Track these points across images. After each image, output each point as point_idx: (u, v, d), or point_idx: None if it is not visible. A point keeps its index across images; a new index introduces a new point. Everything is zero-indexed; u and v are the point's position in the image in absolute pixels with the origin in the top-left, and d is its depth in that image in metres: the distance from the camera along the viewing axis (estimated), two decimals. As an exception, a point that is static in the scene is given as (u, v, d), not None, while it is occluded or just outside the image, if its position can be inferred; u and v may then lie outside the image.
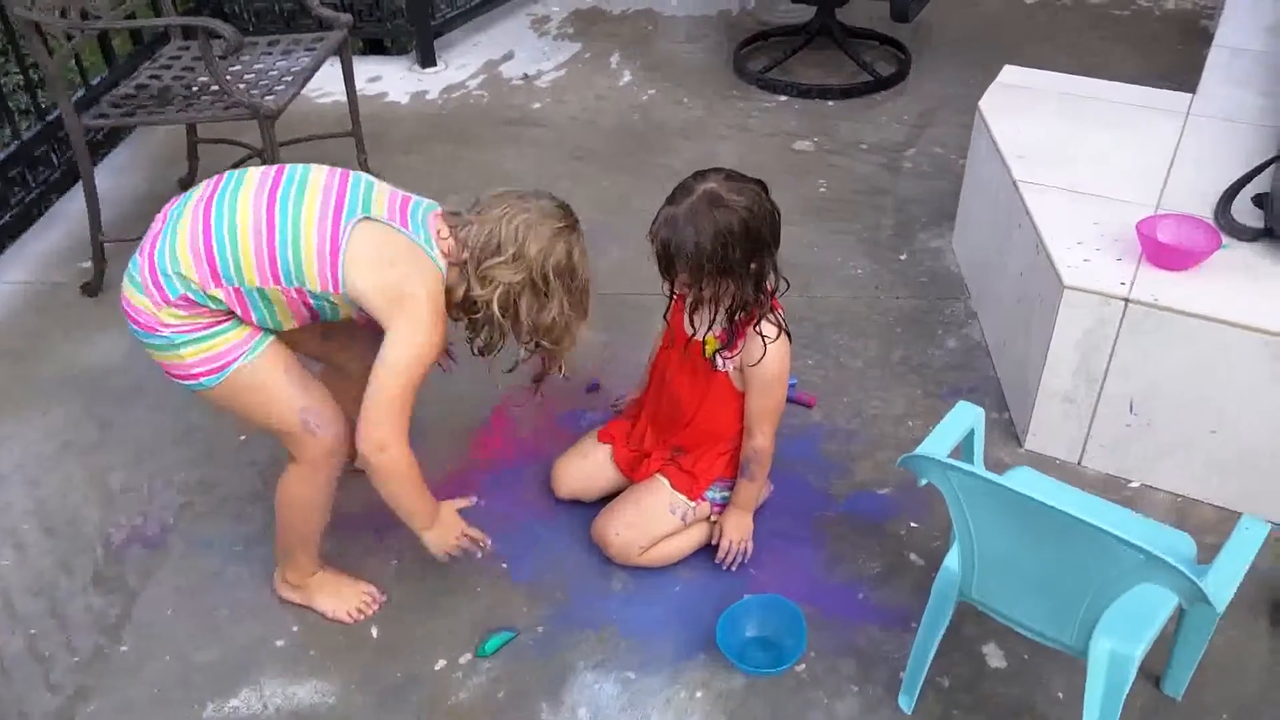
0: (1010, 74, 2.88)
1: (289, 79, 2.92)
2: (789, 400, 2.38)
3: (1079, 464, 2.24)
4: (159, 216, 1.71)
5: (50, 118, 3.28)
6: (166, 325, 1.64)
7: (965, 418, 1.72)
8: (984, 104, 2.71)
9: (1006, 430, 2.33)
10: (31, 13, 2.69)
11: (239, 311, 1.67)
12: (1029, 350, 2.24)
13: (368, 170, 3.24)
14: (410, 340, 1.66)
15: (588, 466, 2.14)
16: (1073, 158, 2.46)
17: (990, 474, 1.44)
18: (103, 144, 3.55)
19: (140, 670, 1.87)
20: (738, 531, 2.01)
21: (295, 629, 1.94)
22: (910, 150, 3.46)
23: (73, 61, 3.24)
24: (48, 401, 2.48)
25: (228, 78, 2.81)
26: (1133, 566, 1.36)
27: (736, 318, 1.84)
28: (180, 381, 1.71)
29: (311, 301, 1.69)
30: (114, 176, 3.38)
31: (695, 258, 1.74)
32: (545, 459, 2.24)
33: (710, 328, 1.88)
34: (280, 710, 1.80)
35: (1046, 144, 2.52)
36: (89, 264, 2.87)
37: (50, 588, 2.03)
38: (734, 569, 2.02)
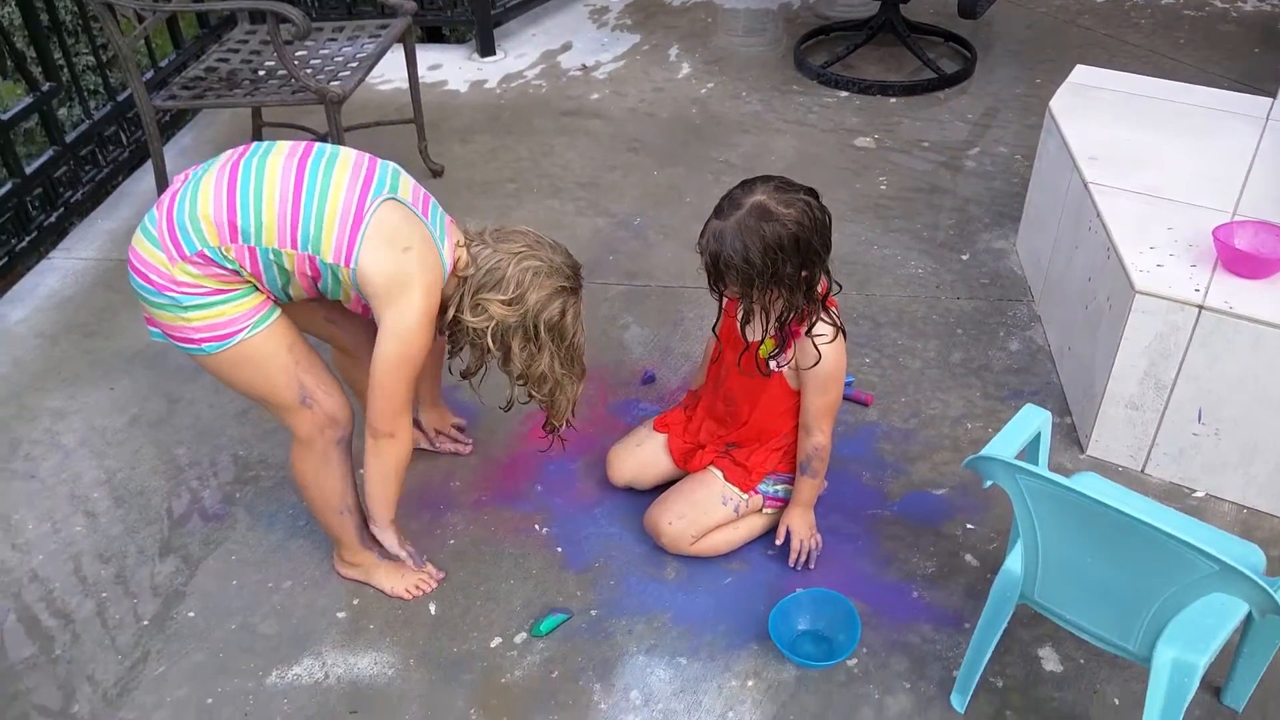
0: (1082, 74, 2.83)
1: (354, 65, 2.97)
2: (845, 398, 2.38)
3: (1142, 471, 2.21)
4: (180, 177, 1.70)
5: (120, 98, 3.35)
6: (179, 284, 1.62)
7: (1032, 420, 1.70)
8: (1055, 104, 2.68)
9: (1069, 435, 2.30)
10: (109, -6, 2.75)
11: (248, 270, 1.66)
12: (1095, 355, 2.21)
13: (428, 159, 3.27)
14: (399, 337, 1.67)
15: (642, 455, 2.15)
16: (1146, 161, 2.42)
17: (1060, 477, 1.42)
18: (169, 125, 3.63)
19: (206, 637, 1.91)
20: (805, 529, 2.01)
21: (356, 602, 1.97)
22: (973, 149, 3.42)
23: (142, 44, 3.31)
24: (116, 376, 2.54)
25: (295, 62, 2.86)
26: (1205, 575, 1.34)
27: (788, 323, 1.84)
28: (178, 345, 1.69)
29: (320, 271, 1.67)
30: (179, 158, 3.44)
31: (745, 272, 1.72)
32: (599, 449, 2.25)
33: (764, 334, 1.87)
34: (341, 680, 1.84)
35: (1119, 146, 2.48)
36: (158, 241, 2.93)
37: (120, 555, 2.08)
38: (812, 566, 2.01)
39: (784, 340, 1.87)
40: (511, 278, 1.72)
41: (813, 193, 1.78)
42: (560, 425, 1.92)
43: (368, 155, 1.74)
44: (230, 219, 1.62)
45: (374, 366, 1.69)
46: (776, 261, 1.71)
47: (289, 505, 2.17)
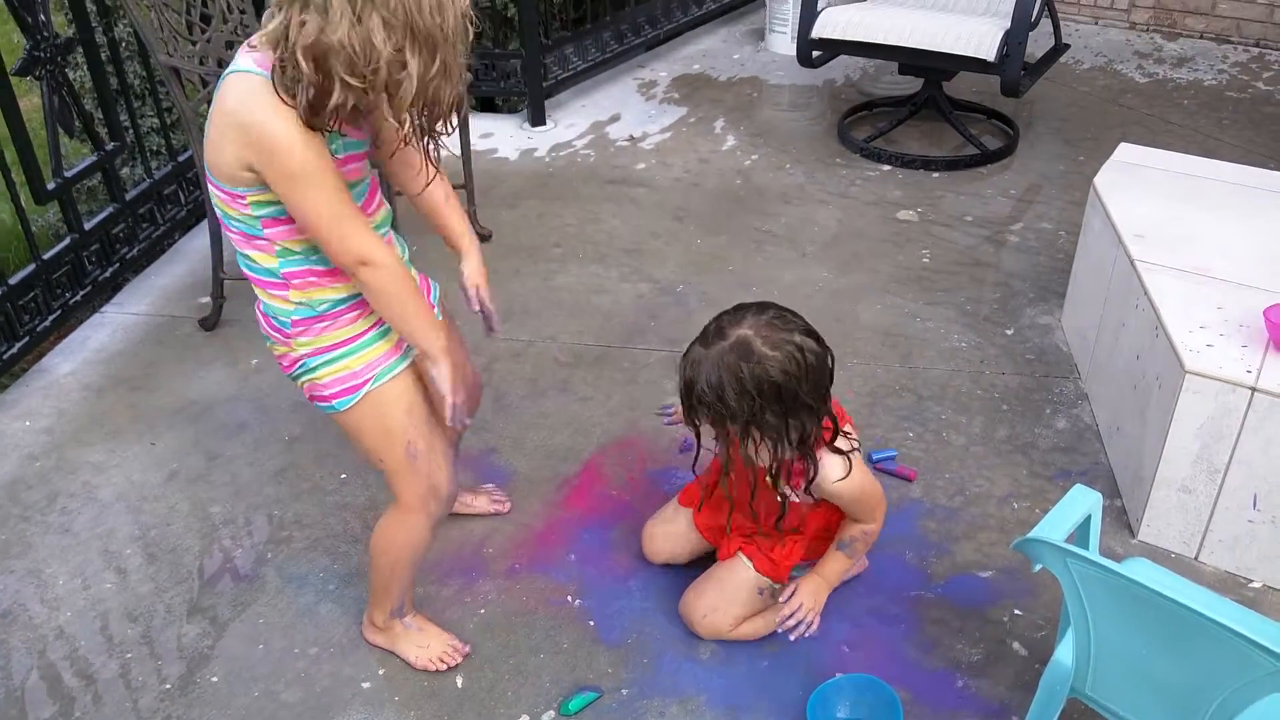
0: (1127, 151, 2.81)
1: (406, 131, 3.02)
2: (888, 473, 2.34)
3: (1195, 559, 2.13)
4: None
5: (181, 158, 3.44)
6: (303, 355, 1.69)
7: (1082, 502, 1.65)
8: (1099, 180, 2.65)
9: (1118, 519, 2.23)
10: (173, 59, 2.85)
11: (315, 260, 1.62)
12: (1144, 436, 2.15)
13: (477, 223, 3.31)
14: (288, 181, 1.48)
15: (674, 533, 2.09)
16: (1193, 239, 2.38)
17: (1115, 564, 1.37)
18: (224, 187, 3.70)
19: (229, 704, 1.88)
20: (811, 599, 1.86)
21: (381, 672, 1.94)
22: (1016, 225, 3.40)
23: (205, 106, 3.40)
24: (158, 431, 2.56)
25: (349, 128, 2.91)
26: (1267, 674, 1.27)
27: (780, 472, 1.65)
28: (319, 405, 1.73)
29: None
30: (233, 218, 3.50)
31: (718, 410, 1.57)
32: (635, 517, 2.22)
33: (754, 479, 1.74)
34: (362, 755, 1.80)
35: (1165, 224, 2.44)
36: (207, 299, 2.98)
37: (148, 614, 2.07)
38: (791, 637, 1.86)
39: (784, 479, 1.68)
40: None
41: (811, 333, 1.61)
42: (418, 118, 1.45)
43: None
44: (253, 277, 1.66)
45: (304, 225, 1.53)
46: (753, 407, 1.55)
47: (319, 568, 2.15)
